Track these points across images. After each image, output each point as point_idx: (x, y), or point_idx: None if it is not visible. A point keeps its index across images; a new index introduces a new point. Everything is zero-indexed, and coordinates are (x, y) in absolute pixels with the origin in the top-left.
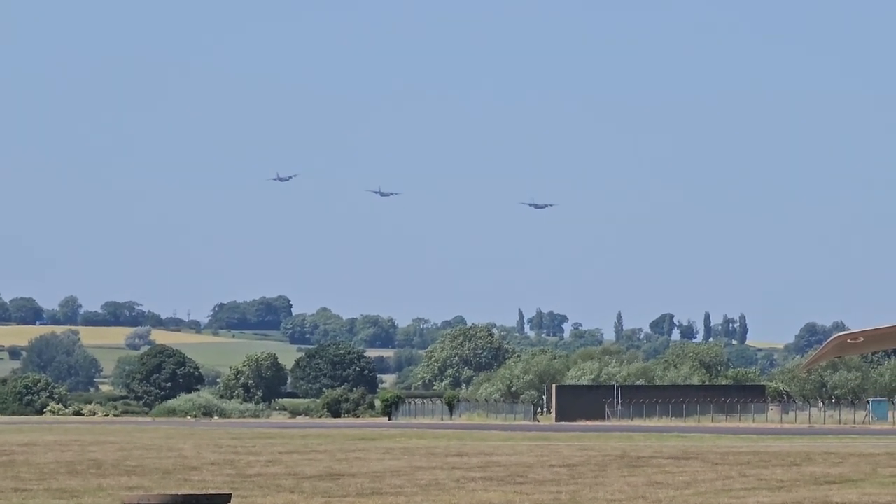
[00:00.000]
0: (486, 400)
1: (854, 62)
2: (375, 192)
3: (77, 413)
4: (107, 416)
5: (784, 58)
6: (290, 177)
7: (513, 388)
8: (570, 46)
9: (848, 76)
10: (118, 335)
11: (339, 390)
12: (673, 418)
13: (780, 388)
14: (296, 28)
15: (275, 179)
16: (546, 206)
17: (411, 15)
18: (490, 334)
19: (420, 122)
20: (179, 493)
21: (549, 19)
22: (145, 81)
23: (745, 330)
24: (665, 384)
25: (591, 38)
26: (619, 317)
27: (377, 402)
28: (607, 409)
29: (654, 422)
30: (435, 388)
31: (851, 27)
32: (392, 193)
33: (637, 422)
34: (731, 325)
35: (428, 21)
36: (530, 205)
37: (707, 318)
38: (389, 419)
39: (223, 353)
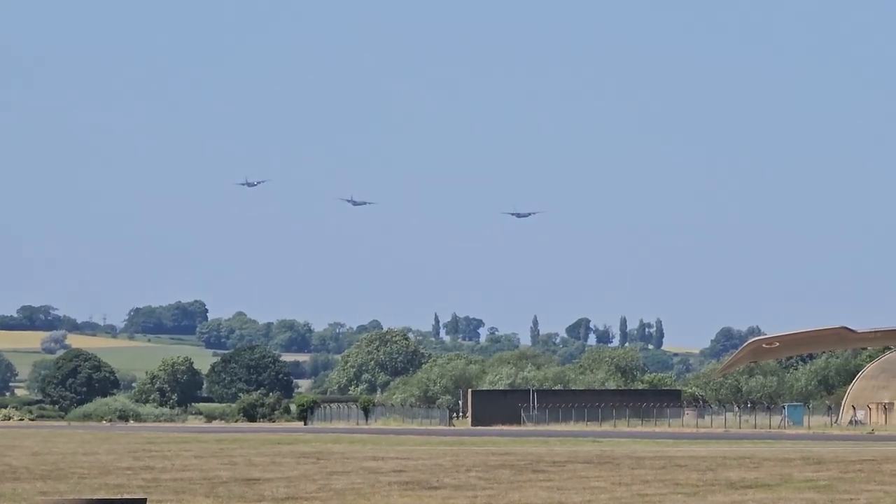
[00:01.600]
0: (401, 404)
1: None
2: (348, 201)
3: None
4: (22, 420)
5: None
6: (259, 182)
7: (429, 393)
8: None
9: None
10: (34, 339)
11: (254, 395)
12: (589, 423)
13: (696, 392)
14: (273, 32)
15: (242, 184)
16: (529, 213)
17: (390, 21)
18: (406, 339)
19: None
20: (95, 498)
21: (529, 25)
22: (99, 76)
23: (661, 335)
24: (581, 389)
25: (568, 47)
26: (535, 321)
27: (293, 407)
28: (523, 414)
29: (570, 426)
30: (351, 392)
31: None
32: (364, 204)
33: (553, 426)
34: (647, 329)
35: (406, 27)
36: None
37: (623, 322)
38: (305, 424)
39: (139, 358)
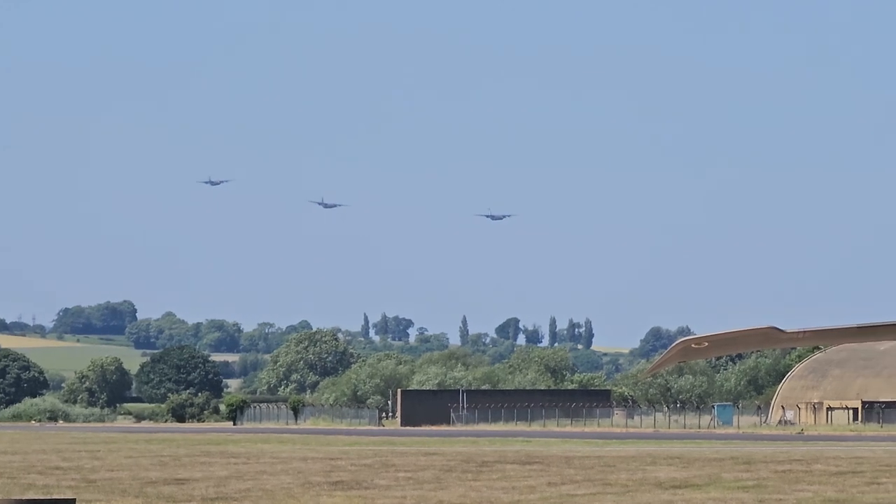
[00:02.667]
0: (331, 405)
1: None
2: (319, 204)
3: None
4: None
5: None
6: (222, 181)
7: (358, 393)
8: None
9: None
10: None
11: (183, 395)
12: (518, 423)
13: (626, 392)
14: (246, 29)
15: (206, 182)
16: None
17: (365, 22)
18: (335, 339)
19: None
20: (24, 498)
21: (503, 28)
22: (51, 67)
23: (590, 335)
24: (510, 389)
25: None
26: (465, 321)
27: (222, 407)
28: (452, 414)
29: (500, 426)
30: (280, 392)
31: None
32: (335, 206)
33: (482, 426)
34: (576, 329)
35: (381, 28)
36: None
37: (553, 322)
38: (234, 424)
39: (68, 358)
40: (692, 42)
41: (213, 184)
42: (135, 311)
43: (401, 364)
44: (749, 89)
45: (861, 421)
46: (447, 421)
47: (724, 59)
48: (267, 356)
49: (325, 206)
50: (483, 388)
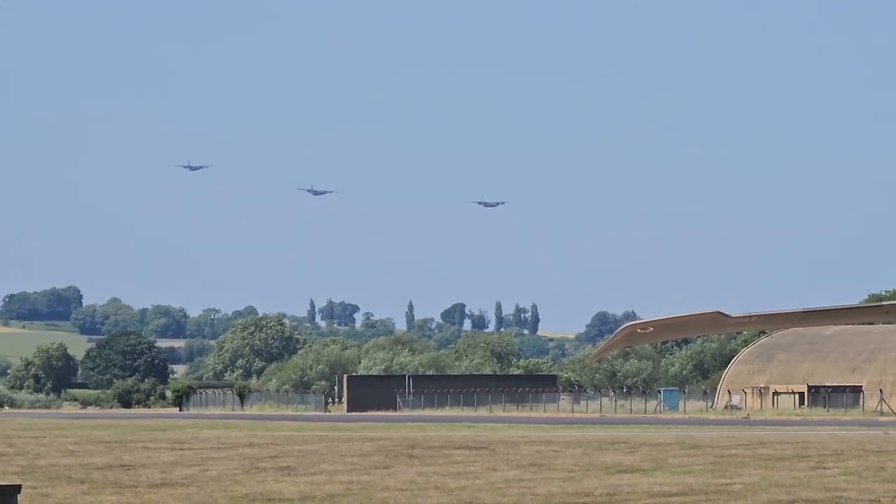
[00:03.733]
0: (277, 390)
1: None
2: (308, 191)
3: None
4: None
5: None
6: (201, 167)
7: (304, 379)
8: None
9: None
10: None
11: (129, 381)
12: (464, 408)
13: (572, 377)
14: (233, 12)
15: (185, 167)
16: (325, 192)
17: (357, 6)
18: (281, 324)
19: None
20: None
21: (497, 14)
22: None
23: (536, 320)
24: (456, 374)
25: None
26: (411, 306)
27: (168, 393)
28: (398, 399)
29: (446, 411)
30: (226, 378)
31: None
32: (325, 193)
33: (428, 412)
34: (522, 314)
35: (372, 13)
36: (309, 191)
37: (498, 307)
38: (180, 410)
39: (13, 344)
40: (686, 34)
41: (192, 168)
42: (80, 297)
43: (347, 349)
44: (700, 76)
45: (807, 405)
46: (393, 406)
47: (696, 47)
48: (213, 342)
49: (316, 193)
50: (429, 373)
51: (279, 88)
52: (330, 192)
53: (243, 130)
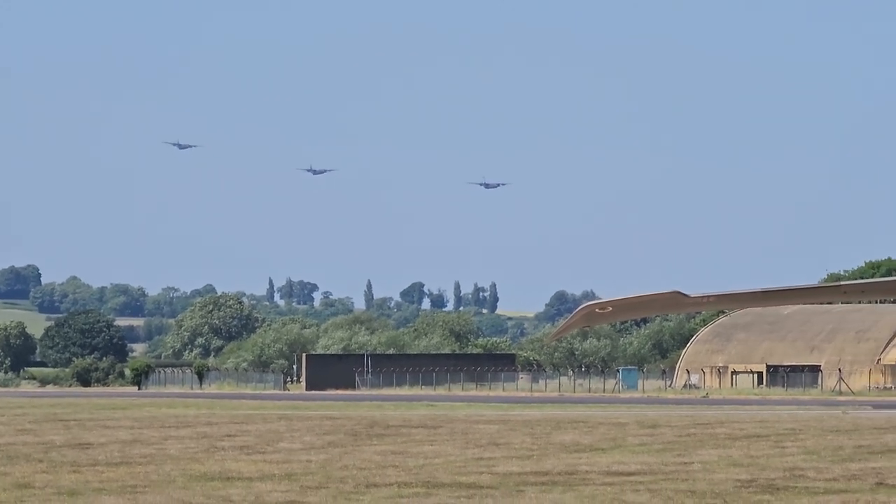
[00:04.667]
0: (235, 369)
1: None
2: (308, 171)
3: None
4: None
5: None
6: (189, 146)
7: (263, 358)
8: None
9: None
10: None
11: (88, 359)
12: (423, 387)
13: (531, 356)
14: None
15: (173, 144)
16: (324, 171)
17: None
18: (240, 303)
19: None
20: None
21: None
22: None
23: (495, 299)
24: (415, 353)
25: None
26: (370, 285)
27: (127, 371)
28: (357, 378)
29: (405, 390)
30: (185, 357)
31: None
32: (190, 145)
33: (387, 390)
34: (481, 294)
35: None
36: (309, 171)
37: (457, 287)
38: (139, 388)
39: None
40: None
41: (181, 147)
42: (39, 275)
43: (306, 328)
44: (655, 60)
45: (766, 385)
46: (352, 385)
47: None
48: (171, 321)
49: (315, 172)
50: (388, 352)
51: (266, 69)
52: (330, 170)
53: (214, 111)
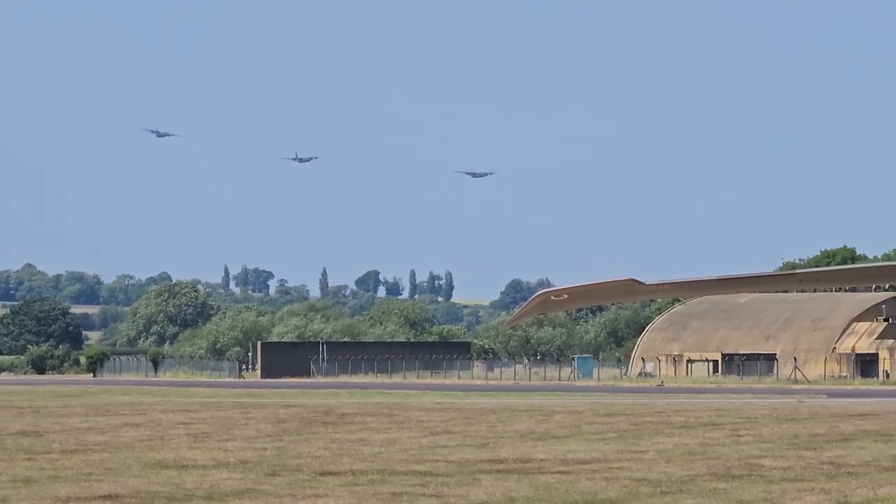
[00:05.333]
0: (191, 357)
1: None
2: (293, 159)
3: None
4: None
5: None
6: (167, 134)
7: (218, 345)
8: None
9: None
10: None
11: (43, 347)
12: (379, 375)
13: (486, 344)
14: None
15: (153, 132)
16: (310, 159)
17: None
18: (195, 291)
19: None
20: None
21: None
22: None
23: (450, 287)
24: (371, 341)
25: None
26: (325, 273)
27: (82, 359)
28: (313, 366)
29: (360, 378)
30: (140, 344)
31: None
32: (169, 133)
33: (343, 378)
34: (436, 281)
35: None
36: (295, 159)
37: (413, 274)
38: (94, 376)
39: None
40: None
41: (159, 135)
42: None
43: (261, 316)
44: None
45: (721, 373)
46: (307, 373)
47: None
48: (127, 308)
49: (301, 160)
50: (343, 340)
51: (230, 56)
52: (314, 157)
53: (177, 95)
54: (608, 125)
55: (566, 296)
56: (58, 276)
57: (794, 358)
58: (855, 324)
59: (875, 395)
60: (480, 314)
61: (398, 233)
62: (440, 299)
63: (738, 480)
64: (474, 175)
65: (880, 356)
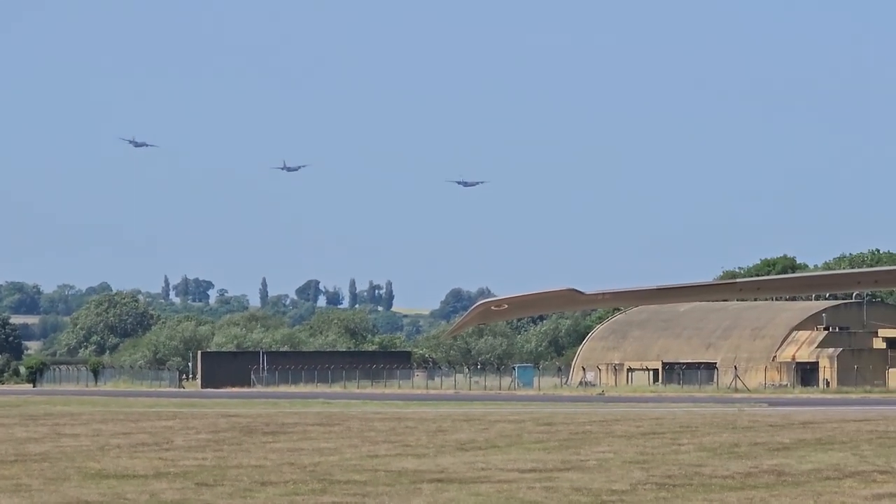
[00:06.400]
0: (131, 366)
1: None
2: (130, 142)
3: None
4: None
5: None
6: (145, 144)
7: (158, 355)
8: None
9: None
10: None
11: None
12: (319, 384)
13: (426, 354)
14: None
15: (131, 142)
16: (299, 167)
17: None
18: (135, 301)
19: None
20: None
21: None
22: None
23: (391, 296)
24: (311, 350)
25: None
26: (265, 283)
27: (22, 369)
28: (253, 376)
29: (300, 388)
30: (80, 354)
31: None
32: (145, 144)
33: (283, 388)
34: (377, 291)
35: None
36: (283, 168)
37: (353, 284)
38: (34, 386)
39: None
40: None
41: (136, 145)
42: None
43: (201, 326)
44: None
45: (661, 382)
46: (248, 383)
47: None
48: (67, 318)
49: (289, 169)
50: (283, 349)
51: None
52: (303, 167)
53: (132, 107)
54: (545, 132)
55: (506, 306)
56: None
57: (735, 367)
58: (795, 332)
59: (815, 403)
60: (421, 323)
61: (338, 242)
62: (380, 308)
63: (679, 489)
64: (466, 184)
65: (820, 365)
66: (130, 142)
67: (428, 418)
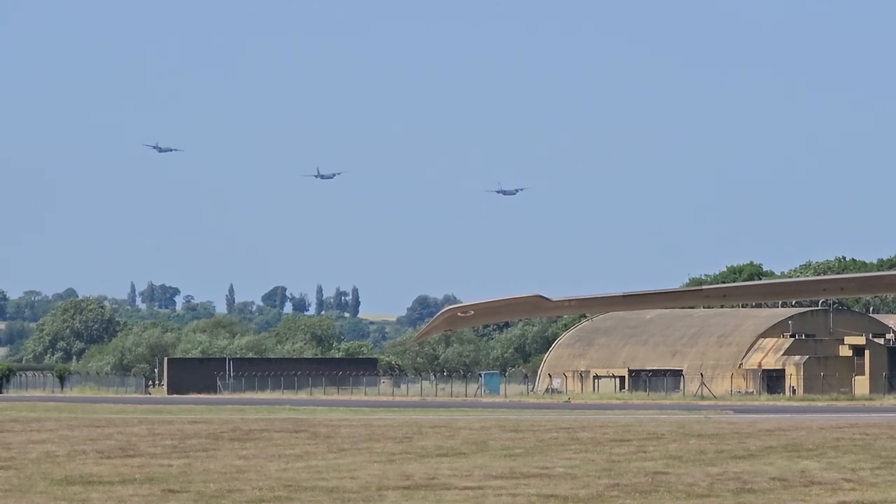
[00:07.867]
0: (97, 373)
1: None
2: (153, 147)
3: None
4: None
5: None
6: (170, 149)
7: (124, 361)
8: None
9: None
10: None
11: None
12: (285, 391)
13: (393, 361)
14: None
15: (153, 147)
16: (333, 175)
17: None
18: (101, 307)
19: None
20: None
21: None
22: None
23: (357, 303)
24: (277, 357)
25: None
26: (231, 290)
27: None
28: (219, 382)
29: (267, 394)
30: (46, 360)
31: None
32: (171, 148)
33: (249, 394)
34: (343, 298)
35: None
36: (318, 176)
37: (319, 290)
38: (0, 392)
39: None
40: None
41: (160, 150)
42: None
43: (167, 332)
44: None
45: (628, 389)
46: (214, 389)
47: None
48: (33, 324)
49: (323, 177)
50: (250, 356)
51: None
52: (338, 173)
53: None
54: (511, 138)
55: (472, 312)
56: None
57: (701, 374)
58: (761, 340)
59: (781, 410)
60: (387, 330)
61: (304, 249)
62: (346, 315)
63: (646, 496)
64: (505, 193)
65: (787, 372)
66: (154, 147)
67: (394, 425)
